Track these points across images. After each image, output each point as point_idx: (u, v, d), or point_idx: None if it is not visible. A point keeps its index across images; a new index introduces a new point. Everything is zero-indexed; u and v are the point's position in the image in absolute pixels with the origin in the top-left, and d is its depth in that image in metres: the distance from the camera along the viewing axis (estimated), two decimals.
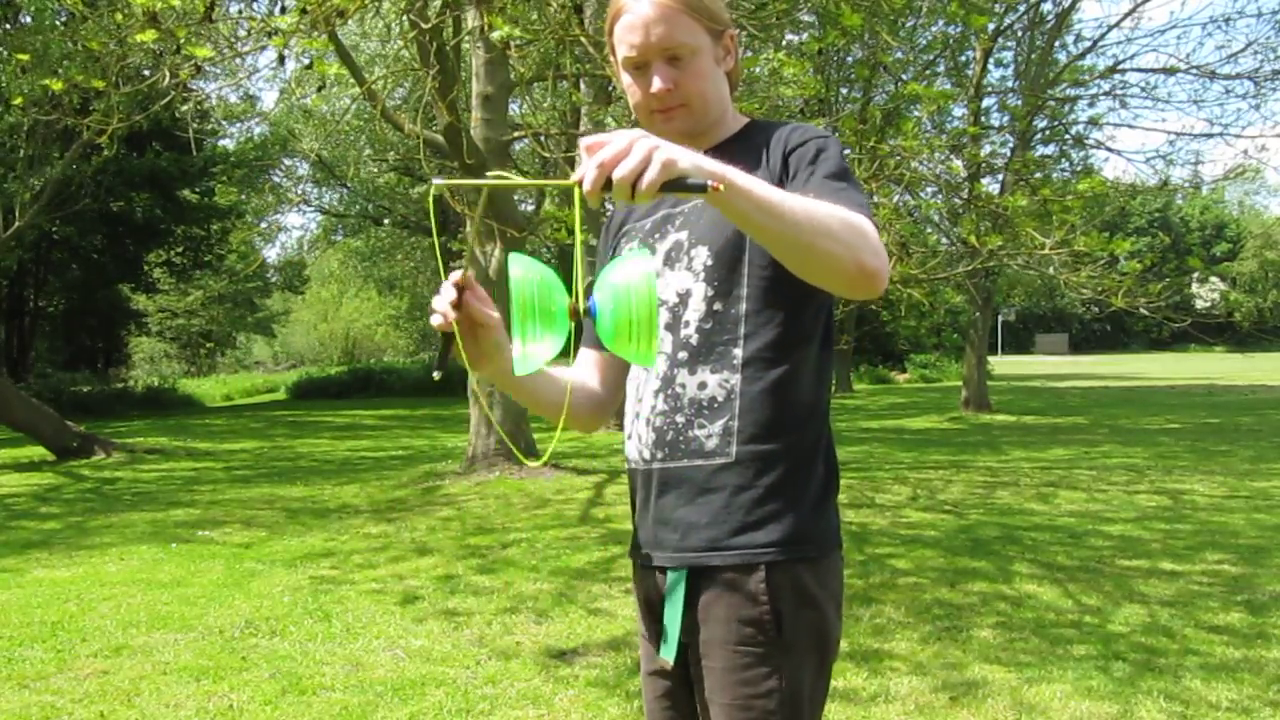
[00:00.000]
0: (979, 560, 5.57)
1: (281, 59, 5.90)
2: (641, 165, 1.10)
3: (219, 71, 10.46)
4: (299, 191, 28.04)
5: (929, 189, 10.11)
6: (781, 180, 1.39)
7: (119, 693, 3.63)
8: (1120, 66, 17.03)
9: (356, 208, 29.21)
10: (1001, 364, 36.83)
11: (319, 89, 8.76)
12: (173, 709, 3.47)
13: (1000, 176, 16.67)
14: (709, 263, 1.43)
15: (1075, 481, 8.56)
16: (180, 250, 24.65)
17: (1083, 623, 4.34)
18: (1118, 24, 21.20)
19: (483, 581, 5.25)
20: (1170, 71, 16.22)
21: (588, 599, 4.84)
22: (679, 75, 1.42)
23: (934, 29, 14.74)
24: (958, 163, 10.89)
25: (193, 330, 35.37)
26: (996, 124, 18.32)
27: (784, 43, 8.85)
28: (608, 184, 1.11)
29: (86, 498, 8.74)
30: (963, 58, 17.00)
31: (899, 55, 13.08)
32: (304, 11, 5.22)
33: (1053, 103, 17.40)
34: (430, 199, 1.36)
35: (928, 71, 16.02)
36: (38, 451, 11.79)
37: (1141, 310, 7.84)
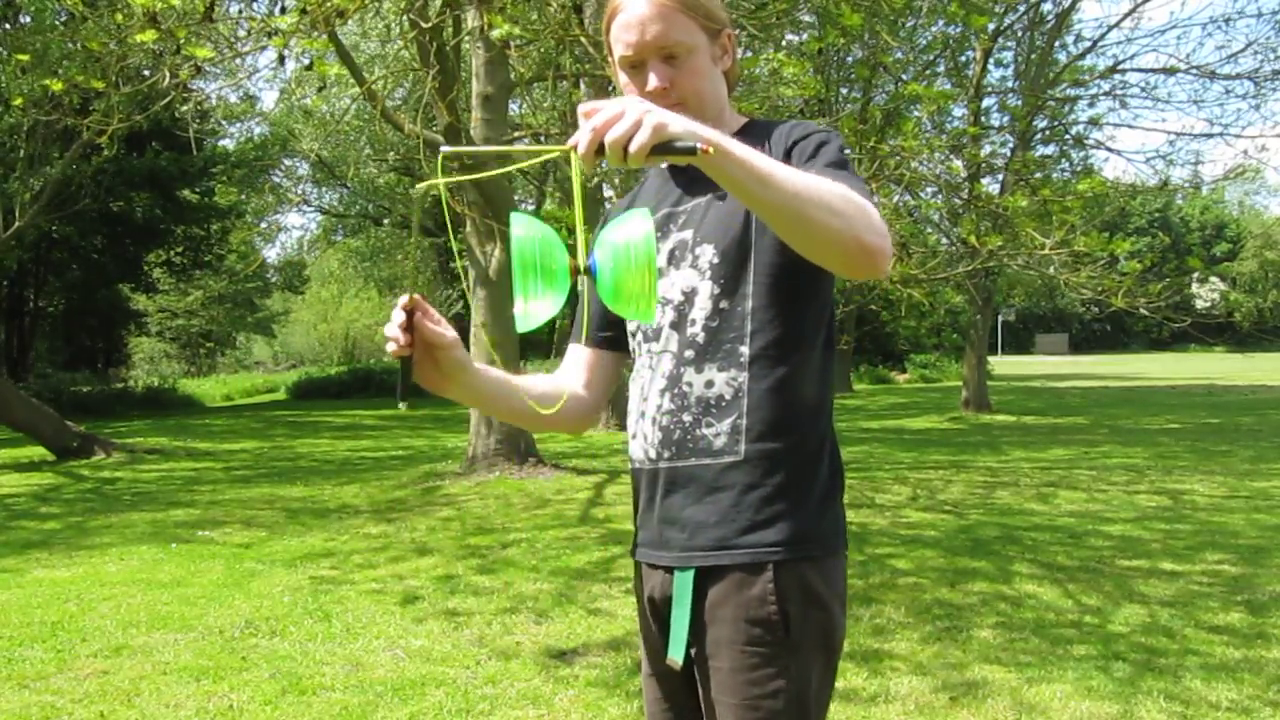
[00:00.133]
0: (979, 560, 5.57)
1: (281, 59, 5.90)
2: (633, 129, 1.11)
3: (219, 71, 10.45)
4: (299, 191, 28.08)
5: (929, 189, 10.12)
6: None
7: (119, 693, 3.62)
8: (1120, 66, 17.04)
9: (356, 208, 29.24)
10: (1001, 364, 36.83)
11: (319, 89, 8.76)
12: (173, 709, 3.47)
13: (1000, 176, 16.66)
14: (715, 261, 1.43)
15: (1075, 481, 8.56)
16: (180, 250, 24.65)
17: (1083, 623, 4.34)
18: (1118, 24, 21.24)
19: (483, 581, 5.25)
20: (1170, 71, 16.23)
21: (588, 599, 4.84)
22: (675, 74, 1.42)
23: (934, 29, 14.74)
24: (958, 163, 10.89)
25: (193, 330, 35.38)
26: (996, 124, 18.34)
27: (784, 43, 8.85)
28: (602, 149, 1.12)
29: (86, 498, 8.74)
30: (963, 58, 17.00)
31: (899, 55, 13.09)
32: (304, 12, 5.22)
33: (1053, 103, 17.40)
34: (439, 164, 1.37)
35: (928, 71, 16.02)
36: (38, 451, 11.79)
37: (1141, 310, 7.84)
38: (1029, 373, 34.90)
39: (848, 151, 1.44)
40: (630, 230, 1.18)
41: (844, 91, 16.05)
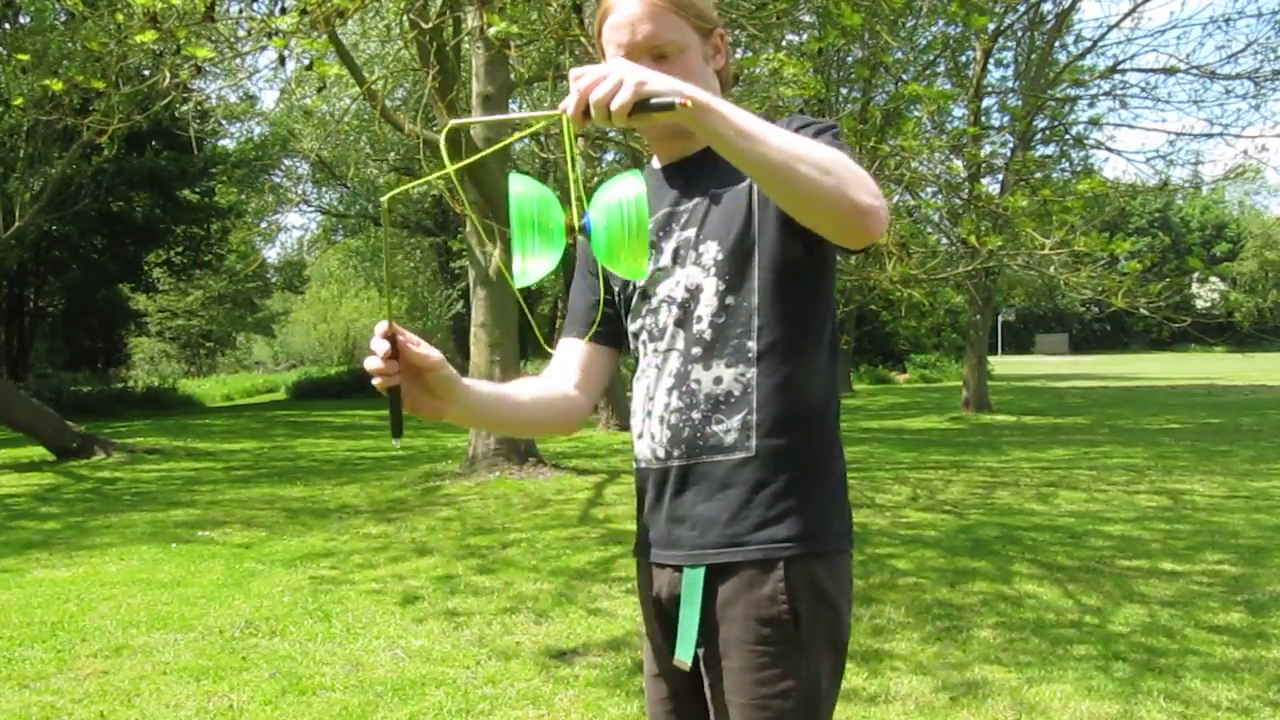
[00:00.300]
0: (979, 560, 5.57)
1: (281, 59, 5.91)
2: (615, 88, 1.15)
3: (219, 71, 10.45)
4: (299, 191, 28.05)
5: (929, 189, 10.10)
6: None
7: (119, 693, 3.62)
8: (1120, 66, 17.03)
9: (356, 208, 29.22)
10: (1001, 364, 36.82)
11: (319, 89, 8.76)
12: (173, 709, 3.47)
13: (1000, 176, 16.66)
14: (719, 257, 1.43)
15: (1075, 481, 8.56)
16: (180, 250, 24.63)
17: (1083, 623, 4.34)
18: (1118, 24, 21.18)
19: (483, 581, 5.25)
20: (1170, 71, 16.22)
21: (588, 599, 4.84)
22: (666, 73, 1.43)
23: (934, 29, 14.74)
24: (958, 163, 10.88)
25: (193, 330, 35.37)
26: (996, 124, 18.33)
27: (784, 43, 8.85)
28: (590, 110, 1.17)
29: (86, 498, 8.74)
30: (963, 58, 17.00)
31: (899, 55, 13.08)
32: (304, 12, 5.22)
33: (1053, 103, 17.39)
34: (444, 140, 1.37)
35: (928, 71, 16.02)
36: (38, 451, 11.79)
37: (1141, 310, 7.83)
38: (1029, 373, 34.90)
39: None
40: (623, 190, 1.22)
41: (844, 91, 16.05)
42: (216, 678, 3.78)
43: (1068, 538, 6.14)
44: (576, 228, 1.23)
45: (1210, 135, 17.34)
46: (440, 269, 29.18)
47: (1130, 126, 40.14)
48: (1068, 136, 18.64)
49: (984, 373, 18.39)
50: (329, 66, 5.95)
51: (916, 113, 10.83)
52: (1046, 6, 17.06)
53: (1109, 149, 31.39)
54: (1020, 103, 16.42)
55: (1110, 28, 22.21)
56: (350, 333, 41.85)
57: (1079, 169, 18.75)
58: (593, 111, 1.17)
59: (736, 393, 1.41)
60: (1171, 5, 73.98)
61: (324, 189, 28.40)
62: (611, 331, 1.59)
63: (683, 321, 1.45)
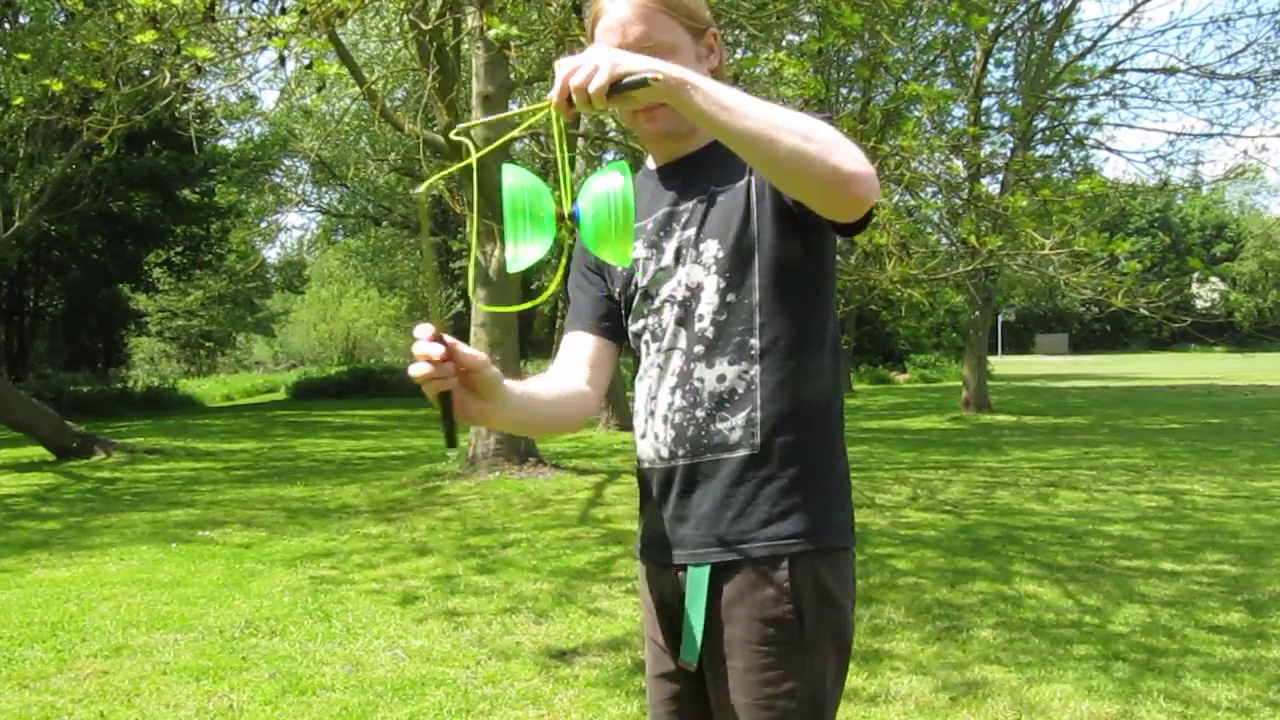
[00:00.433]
0: (979, 560, 5.57)
1: (281, 59, 5.91)
2: (592, 73, 1.19)
3: (219, 71, 10.45)
4: (299, 191, 28.04)
5: (929, 189, 10.09)
6: None
7: (119, 693, 3.62)
8: (1120, 66, 17.03)
9: (356, 208, 29.22)
10: (1001, 364, 36.83)
11: (319, 89, 8.76)
12: (173, 709, 3.47)
13: (1000, 176, 16.67)
14: (719, 255, 1.43)
15: (1075, 481, 8.56)
16: (180, 250, 24.65)
17: (1083, 623, 4.34)
18: (1118, 24, 21.14)
19: (483, 581, 5.24)
20: (1170, 71, 16.22)
21: (588, 599, 4.84)
22: None
23: (934, 29, 14.73)
24: (958, 163, 10.88)
25: (193, 330, 35.37)
26: (996, 124, 18.33)
27: (784, 43, 8.85)
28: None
29: (86, 498, 8.74)
30: (963, 58, 17.00)
31: (899, 55, 13.08)
32: (304, 12, 5.22)
33: (1053, 103, 17.40)
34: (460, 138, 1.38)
35: (928, 71, 16.02)
36: (38, 451, 11.79)
37: (1141, 310, 7.83)
38: (1029, 373, 34.90)
39: None
40: (610, 181, 1.26)
41: (844, 91, 16.05)
42: (216, 678, 3.78)
43: (1068, 538, 6.14)
44: (566, 216, 1.26)
45: (1210, 135, 17.35)
46: (440, 269, 29.17)
47: (1130, 126, 40.09)
48: (1068, 136, 18.65)
49: (984, 373, 18.39)
50: (329, 66, 5.96)
51: (916, 113, 10.84)
52: (1046, 6, 17.09)
53: (1109, 149, 31.42)
54: (1020, 103, 16.42)
55: (1110, 28, 22.22)
56: (350, 333, 41.87)
57: (1079, 169, 18.75)
58: (574, 98, 1.21)
59: (740, 390, 1.41)
60: (1171, 5, 74.06)
61: (324, 189, 28.39)
62: (616, 327, 1.58)
63: (684, 320, 1.45)
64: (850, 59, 15.08)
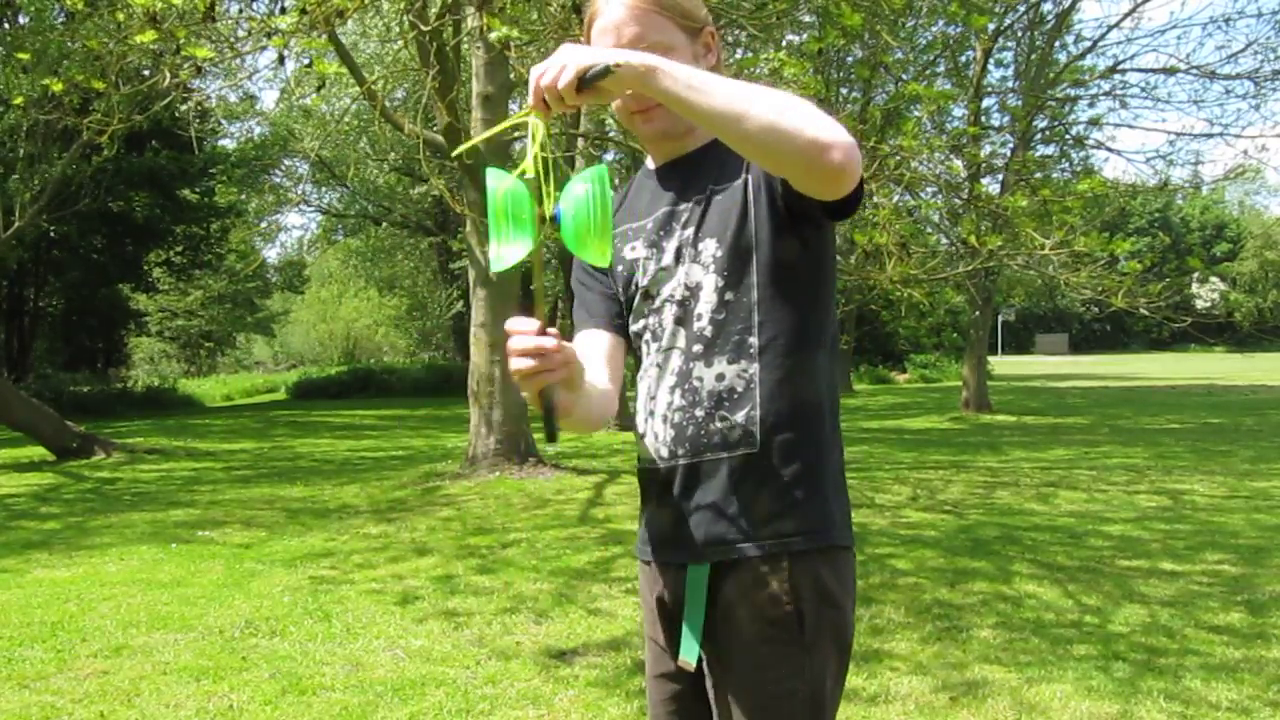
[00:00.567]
0: (979, 560, 5.57)
1: (281, 59, 5.91)
2: (559, 72, 1.22)
3: (219, 71, 10.46)
4: (299, 191, 28.07)
5: (929, 189, 10.10)
6: None
7: (119, 693, 3.62)
8: (1120, 66, 17.03)
9: (356, 208, 29.24)
10: (1001, 364, 36.82)
11: (318, 89, 8.76)
12: (173, 709, 3.47)
13: (1000, 176, 16.67)
14: (718, 254, 1.43)
15: (1075, 481, 8.56)
16: (180, 250, 24.65)
17: (1083, 623, 4.34)
18: (1118, 24, 21.07)
19: (482, 581, 5.25)
20: (1170, 71, 16.22)
21: (588, 599, 4.84)
22: None
23: (934, 29, 14.75)
24: (958, 163, 10.88)
25: (193, 330, 35.36)
26: (996, 124, 18.33)
27: (784, 43, 8.85)
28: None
29: (86, 498, 8.74)
30: (963, 58, 17.00)
31: (899, 55, 13.09)
32: (304, 12, 5.22)
33: (1053, 103, 17.40)
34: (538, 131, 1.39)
35: (928, 71, 16.02)
36: (38, 451, 11.79)
37: (1141, 310, 7.83)
38: (1029, 373, 34.90)
39: None
40: (589, 183, 1.28)
41: (844, 91, 16.05)
42: (216, 678, 3.78)
43: (1068, 538, 6.14)
44: (547, 217, 1.28)
45: (1210, 135, 17.35)
46: (440, 269, 29.18)
47: (1130, 126, 40.10)
48: (1068, 136, 18.64)
49: (984, 373, 18.39)
50: (329, 66, 5.95)
51: (916, 113, 10.83)
52: (1046, 6, 17.08)
53: (1109, 149, 31.44)
54: (1020, 103, 16.42)
55: (1110, 28, 22.14)
56: (350, 332, 41.88)
57: (1079, 169, 18.75)
58: (547, 98, 1.24)
59: (739, 389, 1.41)
60: (1171, 5, 74.01)
61: (324, 189, 28.42)
62: (625, 325, 1.58)
63: (683, 319, 1.45)
64: (850, 59, 15.08)
